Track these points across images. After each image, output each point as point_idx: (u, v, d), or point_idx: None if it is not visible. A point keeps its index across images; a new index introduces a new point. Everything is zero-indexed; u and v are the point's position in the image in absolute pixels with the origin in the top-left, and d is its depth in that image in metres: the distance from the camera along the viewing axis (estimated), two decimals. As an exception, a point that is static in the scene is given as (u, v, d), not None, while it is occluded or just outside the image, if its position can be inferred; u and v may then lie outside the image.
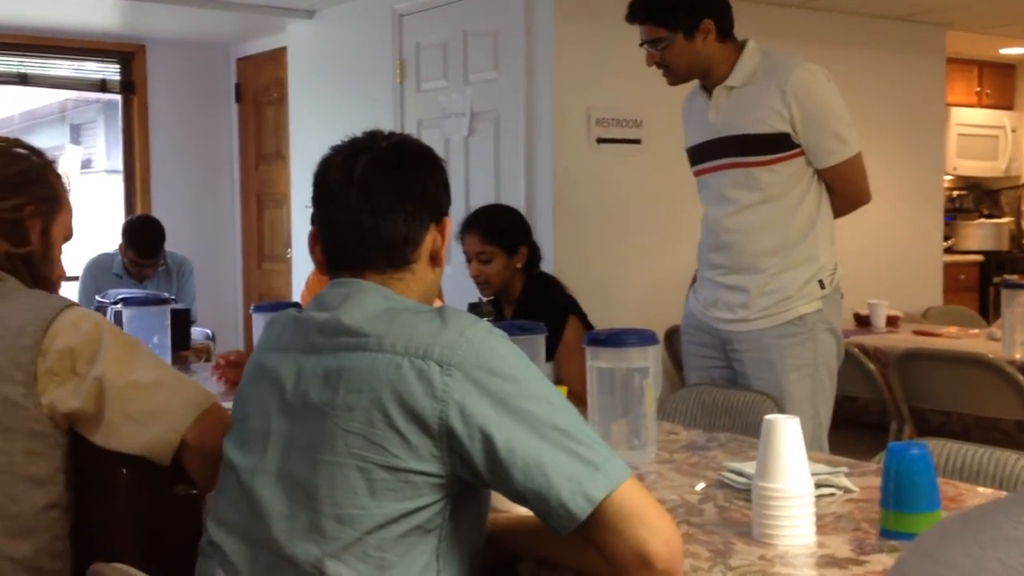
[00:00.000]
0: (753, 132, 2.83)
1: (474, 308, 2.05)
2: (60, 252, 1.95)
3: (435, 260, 1.57)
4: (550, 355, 3.08)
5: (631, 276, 4.52)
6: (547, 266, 3.58)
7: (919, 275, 5.66)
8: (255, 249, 6.75)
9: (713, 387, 2.83)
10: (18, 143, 1.93)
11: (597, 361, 2.07)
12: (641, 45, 2.86)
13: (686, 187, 3.09)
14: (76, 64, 6.50)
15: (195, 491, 1.82)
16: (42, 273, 1.88)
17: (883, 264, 5.31)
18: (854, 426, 3.95)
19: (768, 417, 1.58)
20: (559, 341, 3.17)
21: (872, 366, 3.72)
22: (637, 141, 4.45)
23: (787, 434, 1.56)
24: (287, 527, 1.39)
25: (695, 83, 2.96)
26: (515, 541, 1.55)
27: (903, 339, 4.09)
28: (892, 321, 4.49)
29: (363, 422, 1.35)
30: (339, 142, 1.58)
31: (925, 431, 3.76)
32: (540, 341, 2.28)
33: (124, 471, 1.76)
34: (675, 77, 2.89)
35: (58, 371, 1.71)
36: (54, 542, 1.78)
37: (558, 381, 3.12)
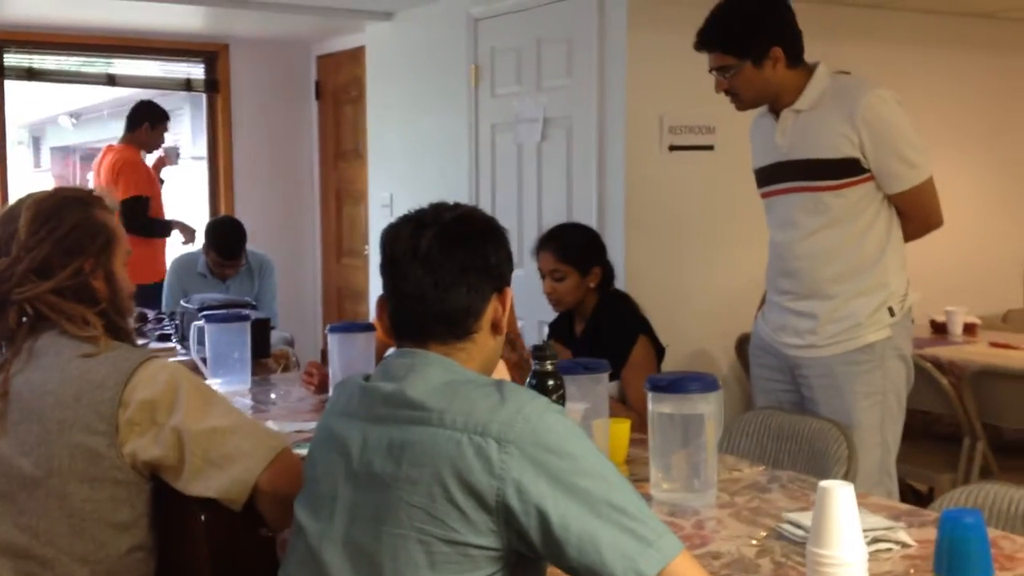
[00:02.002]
0: (821, 156, 2.82)
1: (539, 350, 2.08)
2: (125, 278, 1.98)
3: (496, 329, 1.62)
4: (616, 374, 3.13)
5: (703, 283, 4.52)
6: (618, 273, 3.58)
7: (1000, 274, 5.54)
8: (334, 244, 6.89)
9: (780, 412, 2.83)
10: (59, 191, 1.96)
11: (659, 406, 2.11)
12: (710, 72, 2.86)
13: (759, 194, 3.08)
14: (161, 64, 6.69)
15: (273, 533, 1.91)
16: (119, 324, 1.94)
17: (962, 263, 5.20)
18: (926, 438, 3.92)
19: (822, 484, 1.60)
20: (627, 359, 3.20)
21: (945, 381, 3.67)
22: (710, 147, 4.43)
23: (841, 502, 1.58)
24: (352, 594, 1.46)
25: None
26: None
27: (978, 352, 4.02)
28: (969, 329, 4.42)
29: (425, 496, 1.41)
30: (408, 212, 1.64)
31: (999, 447, 3.72)
32: (604, 379, 2.32)
33: (202, 517, 1.83)
34: (743, 103, 2.89)
35: (138, 421, 1.80)
36: None
37: (623, 400, 3.17)
